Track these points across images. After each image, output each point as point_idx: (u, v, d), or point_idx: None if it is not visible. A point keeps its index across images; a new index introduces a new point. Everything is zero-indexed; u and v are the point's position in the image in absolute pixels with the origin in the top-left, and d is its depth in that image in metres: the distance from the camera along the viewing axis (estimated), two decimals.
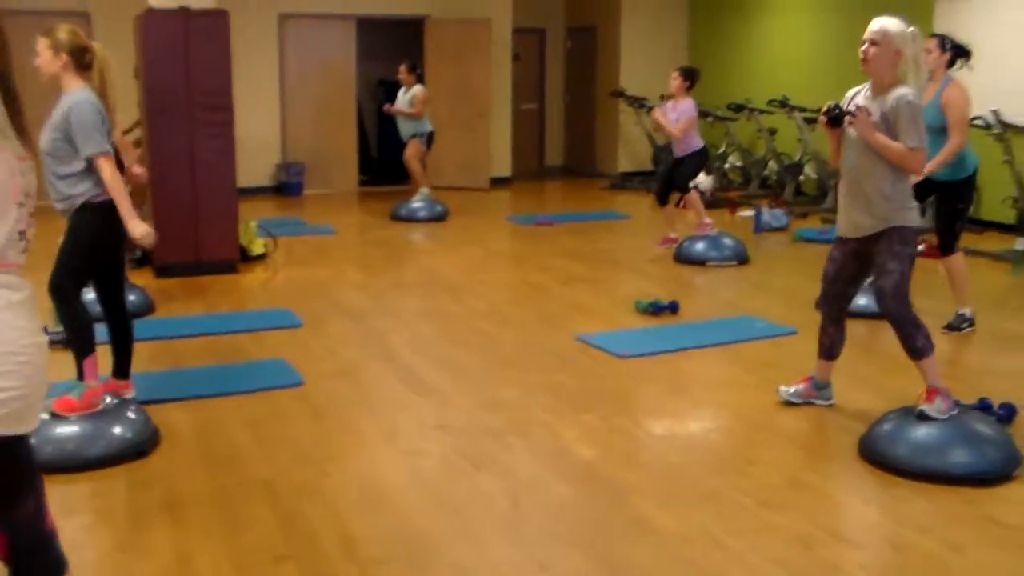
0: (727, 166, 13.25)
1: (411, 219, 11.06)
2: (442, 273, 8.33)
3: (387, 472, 4.23)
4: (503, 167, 14.37)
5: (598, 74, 15.52)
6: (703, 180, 11.30)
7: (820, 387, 4.98)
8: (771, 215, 10.35)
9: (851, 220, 4.53)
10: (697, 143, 8.89)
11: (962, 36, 9.92)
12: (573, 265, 8.65)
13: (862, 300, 6.11)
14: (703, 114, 12.38)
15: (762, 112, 12.17)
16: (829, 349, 4.90)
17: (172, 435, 4.58)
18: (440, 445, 4.54)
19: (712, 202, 11.22)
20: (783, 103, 11.66)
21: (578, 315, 6.89)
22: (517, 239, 10.11)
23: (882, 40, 4.32)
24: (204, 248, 8.13)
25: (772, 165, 12.52)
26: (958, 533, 3.61)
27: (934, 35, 6.24)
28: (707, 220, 9.02)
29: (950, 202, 6.12)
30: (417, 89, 11.16)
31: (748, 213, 10.93)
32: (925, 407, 4.21)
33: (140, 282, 7.19)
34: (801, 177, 12.03)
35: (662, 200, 9.16)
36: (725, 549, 3.53)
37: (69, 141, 4.43)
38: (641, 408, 5.16)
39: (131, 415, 4.56)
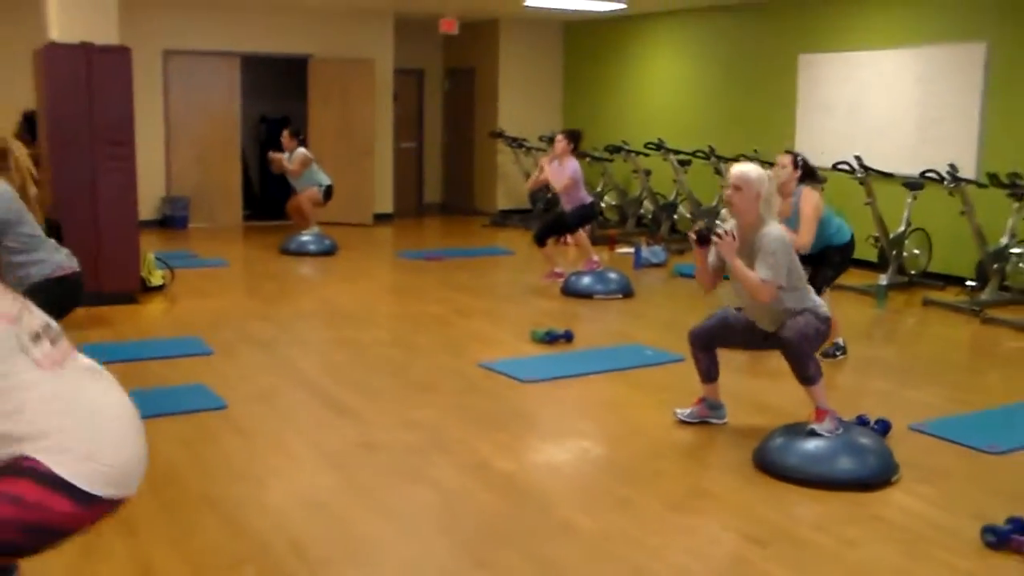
0: (603, 205, 13.80)
1: (301, 252, 11.26)
2: (342, 304, 8.58)
3: (323, 484, 4.48)
4: (386, 204, 14.66)
5: (476, 114, 15.96)
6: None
7: (714, 407, 5.41)
8: (650, 252, 10.90)
9: (763, 323, 4.97)
10: (586, 198, 9.36)
11: (823, 87, 10.78)
12: (466, 298, 8.99)
13: None
14: (581, 155, 12.92)
15: (638, 154, 12.75)
16: (707, 373, 5.35)
17: None
18: (368, 460, 4.81)
19: (591, 239, 11.68)
20: (659, 146, 12.28)
21: (478, 343, 7.22)
22: (409, 273, 10.41)
23: (744, 185, 4.77)
24: (105, 279, 8.19)
25: (647, 204, 13.12)
26: (850, 530, 4.06)
27: (787, 152, 6.76)
28: (595, 258, 9.48)
29: (828, 260, 6.59)
30: (299, 152, 11.43)
31: (627, 250, 11.47)
32: (816, 426, 4.67)
33: None
34: (675, 216, 12.64)
35: (540, 241, 9.55)
36: (644, 546, 3.90)
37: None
38: (549, 427, 5.51)
39: None
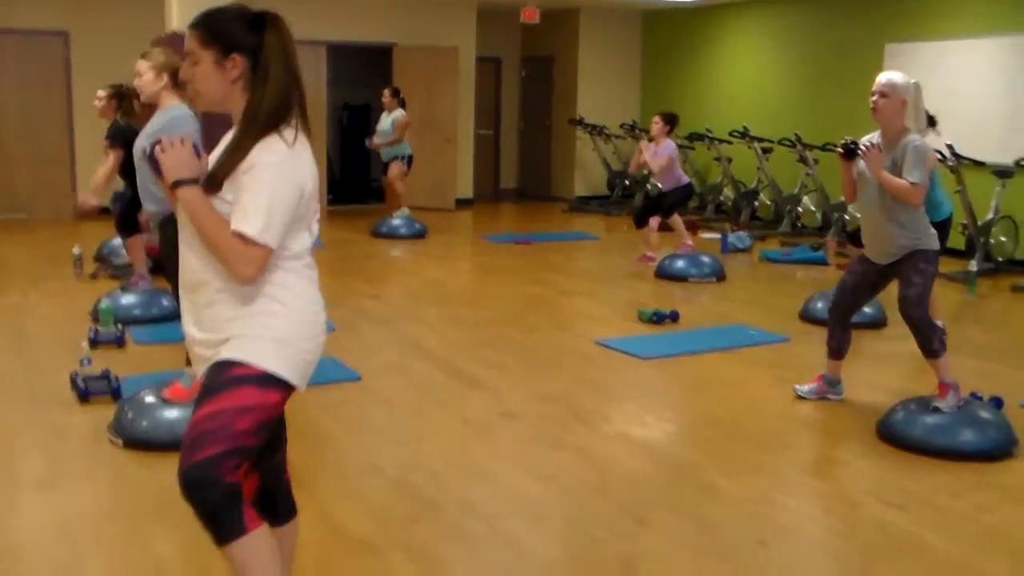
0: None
1: (392, 236, 11.61)
2: (445, 284, 8.91)
3: (474, 450, 4.79)
4: (466, 189, 14.98)
5: (554, 102, 16.22)
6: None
7: (832, 383, 5.65)
8: (736, 237, 11.12)
9: (877, 249, 5.15)
10: (683, 178, 9.61)
11: (911, 76, 10.86)
12: (563, 279, 9.28)
13: (868, 310, 6.88)
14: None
15: (721, 141, 12.95)
16: (837, 350, 5.57)
17: None
18: (511, 429, 5.12)
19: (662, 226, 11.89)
20: (744, 133, 12.47)
21: (587, 322, 7.51)
22: (500, 255, 10.71)
23: (890, 92, 4.95)
24: None
25: (727, 192, 13.33)
26: (981, 496, 4.30)
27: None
28: (689, 241, 9.73)
29: None
30: (398, 114, 11.74)
31: (711, 235, 11.69)
32: (939, 402, 4.90)
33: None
34: (756, 203, 12.83)
35: (640, 223, 9.82)
36: (786, 508, 4.17)
37: None
38: (675, 400, 5.78)
39: None
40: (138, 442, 4.70)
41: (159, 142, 2.53)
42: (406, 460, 4.65)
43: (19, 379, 5.78)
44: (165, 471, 4.27)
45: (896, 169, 4.90)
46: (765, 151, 12.36)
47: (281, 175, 2.45)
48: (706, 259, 9.46)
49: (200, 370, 2.60)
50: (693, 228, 12.24)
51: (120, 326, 6.71)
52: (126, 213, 7.70)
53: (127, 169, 7.45)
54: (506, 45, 16.66)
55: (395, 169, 11.77)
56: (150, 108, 5.24)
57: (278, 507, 2.83)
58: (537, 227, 13.10)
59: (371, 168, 15.93)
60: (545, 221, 13.76)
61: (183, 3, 8.52)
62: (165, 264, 5.04)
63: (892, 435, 4.93)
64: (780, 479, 4.52)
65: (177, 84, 5.05)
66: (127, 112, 7.53)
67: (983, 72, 10.40)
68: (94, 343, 6.46)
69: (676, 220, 9.91)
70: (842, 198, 10.79)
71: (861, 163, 5.08)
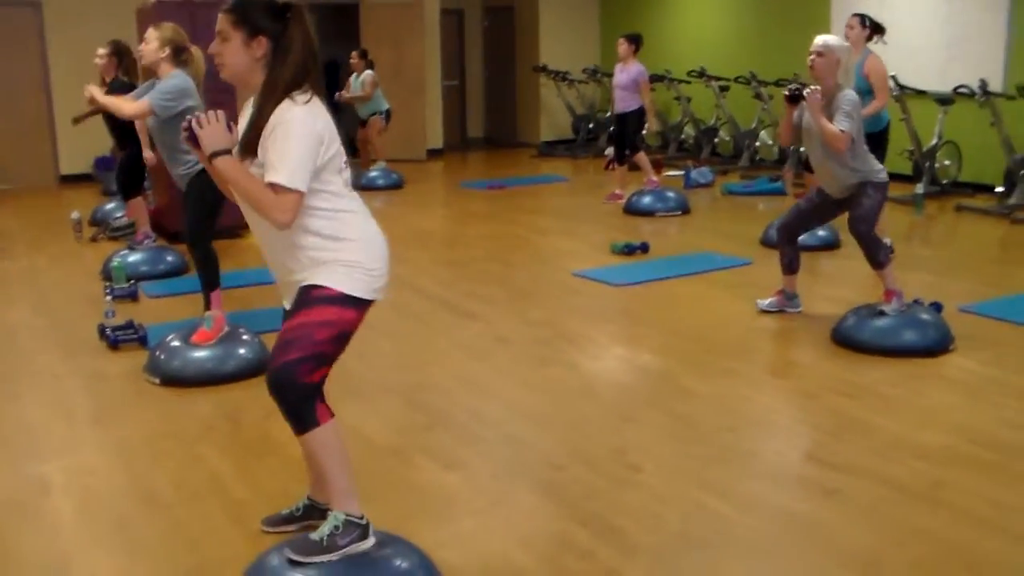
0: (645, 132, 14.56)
1: (370, 187, 12.10)
2: (429, 230, 9.46)
3: (475, 370, 5.38)
4: (436, 139, 15.47)
5: (517, 51, 16.68)
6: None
7: (790, 297, 6.28)
8: (698, 173, 11.73)
9: (831, 187, 5.78)
10: (637, 103, 10.11)
11: (856, 9, 11.44)
12: (539, 219, 9.86)
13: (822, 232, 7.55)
14: None
15: (680, 82, 13.50)
16: (789, 265, 6.20)
17: None
18: (506, 351, 5.71)
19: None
20: (701, 73, 13.03)
21: (564, 257, 8.10)
22: (477, 200, 11.25)
23: (826, 52, 5.59)
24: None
25: (688, 130, 13.90)
26: (920, 385, 4.96)
27: (855, 14, 7.57)
28: (654, 178, 10.31)
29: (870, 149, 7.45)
30: (367, 74, 12.22)
31: (675, 172, 12.28)
32: (884, 307, 5.54)
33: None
34: (716, 140, 13.43)
35: (620, 159, 10.40)
36: (755, 403, 4.81)
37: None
38: (650, 320, 6.38)
39: (248, 338, 5.56)
40: (174, 379, 5.25)
41: (194, 118, 3.00)
42: (416, 381, 5.23)
43: (49, 333, 6.29)
44: (203, 401, 4.92)
45: (830, 118, 5.51)
46: (722, 89, 12.93)
47: (299, 128, 2.91)
48: (671, 194, 10.07)
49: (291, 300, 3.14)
50: (658, 166, 12.80)
51: (133, 281, 7.21)
52: (126, 175, 8.15)
53: (122, 130, 7.95)
54: None
55: (375, 124, 12.26)
56: (151, 72, 5.76)
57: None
58: (508, 172, 13.63)
59: (341, 124, 16.33)
60: (515, 166, 14.30)
61: None
62: (189, 217, 5.57)
63: (844, 339, 5.57)
64: (746, 380, 5.15)
65: (176, 57, 5.57)
66: (128, 69, 7.99)
67: (922, 5, 10.99)
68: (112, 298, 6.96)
69: (642, 158, 10.46)
70: None
71: (806, 111, 5.68)
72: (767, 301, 6.30)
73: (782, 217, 6.17)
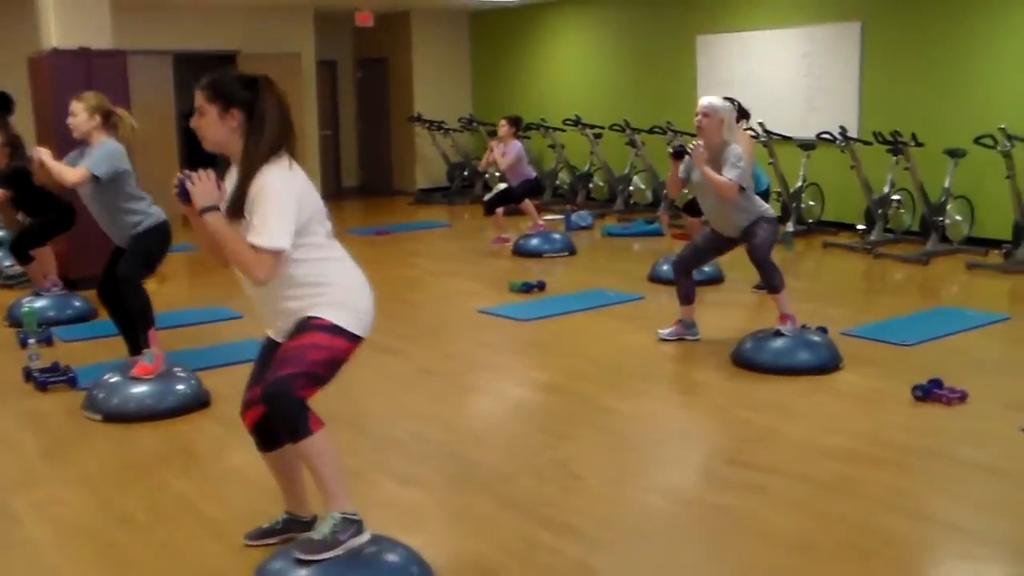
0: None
1: None
2: None
3: (407, 397, 5.69)
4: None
5: (391, 101, 17.07)
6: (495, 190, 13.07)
7: (688, 326, 6.78)
8: (578, 216, 12.29)
9: (726, 229, 6.32)
10: (530, 173, 10.68)
11: (720, 64, 12.29)
12: (430, 263, 10.23)
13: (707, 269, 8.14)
14: (493, 133, 14.27)
15: (555, 130, 14.10)
16: (686, 296, 6.72)
17: (219, 391, 5.78)
18: (434, 382, 6.05)
19: (517, 210, 12.87)
20: (576, 121, 13.65)
21: (464, 296, 8.48)
22: (366, 246, 11.52)
23: (711, 112, 6.16)
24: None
25: (562, 176, 14.51)
26: (817, 397, 5.50)
27: (725, 98, 8.18)
28: (540, 222, 10.79)
29: None
30: None
31: (555, 216, 12.81)
32: (781, 328, 6.09)
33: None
34: (590, 185, 14.07)
35: (490, 211, 10.85)
36: (672, 417, 5.29)
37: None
38: (561, 350, 6.78)
39: (184, 375, 5.76)
40: (115, 415, 5.40)
41: (183, 177, 3.26)
42: (356, 410, 5.51)
43: None
44: (150, 435, 5.17)
45: (718, 170, 6.06)
46: (596, 136, 13.56)
47: (279, 190, 3.20)
48: (557, 236, 10.58)
49: (278, 331, 3.44)
50: (537, 211, 13.34)
51: (44, 327, 7.28)
52: (23, 242, 8.18)
53: (36, 198, 8.05)
54: (340, 48, 17.40)
55: None
56: (81, 142, 5.93)
57: (276, 435, 3.57)
58: (390, 219, 13.94)
59: (220, 174, 16.39)
60: (394, 213, 14.64)
61: (61, 22, 9.01)
62: (130, 263, 5.74)
63: (744, 360, 6.09)
64: (661, 399, 5.62)
65: (106, 122, 5.78)
66: (14, 154, 8.19)
67: (784, 59, 11.85)
68: (24, 343, 7.02)
69: (527, 204, 10.92)
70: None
71: (690, 162, 6.23)
72: (667, 330, 6.79)
73: (680, 252, 6.69)
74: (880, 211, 10.37)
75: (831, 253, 10.29)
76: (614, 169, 13.68)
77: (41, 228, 8.16)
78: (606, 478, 4.46)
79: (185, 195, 3.26)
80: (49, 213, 8.11)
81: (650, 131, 12.73)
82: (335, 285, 3.38)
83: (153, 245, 5.83)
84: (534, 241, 10.45)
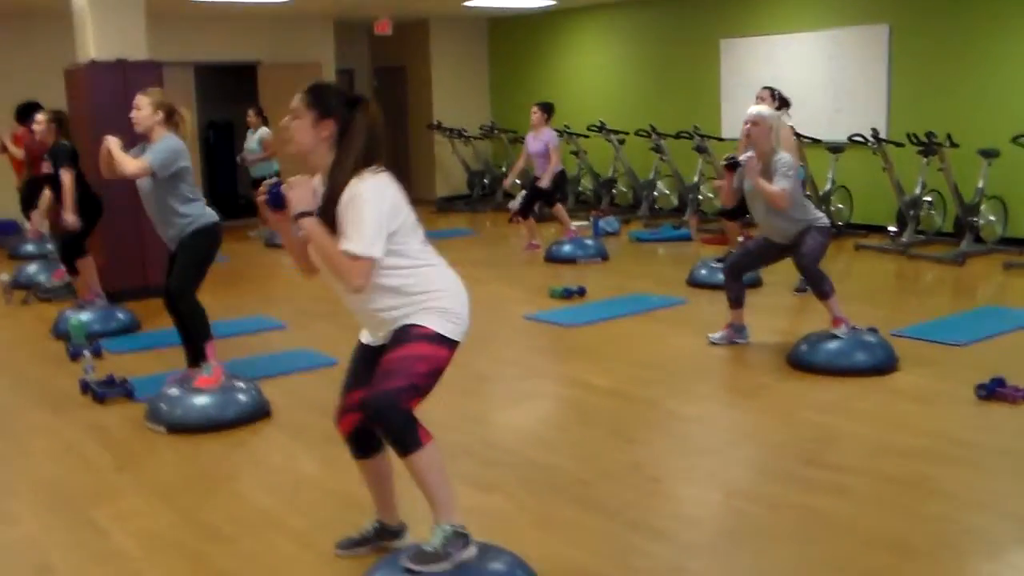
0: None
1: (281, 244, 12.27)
2: None
3: (471, 406, 5.70)
4: None
5: (410, 109, 17.11)
6: (518, 199, 13.10)
7: (738, 330, 6.80)
8: (606, 222, 12.31)
9: (776, 236, 6.34)
10: (558, 164, 10.63)
11: (745, 68, 12.31)
12: (465, 270, 10.04)
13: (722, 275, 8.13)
14: (521, 139, 14.31)
15: (579, 136, 14.12)
16: (736, 300, 6.74)
17: (277, 400, 5.80)
18: (492, 388, 6.09)
19: (542, 216, 12.89)
20: (601, 127, 13.68)
21: (507, 303, 8.49)
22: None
23: (760, 121, 6.19)
24: (150, 274, 9.17)
25: (584, 182, 14.53)
26: (881, 397, 5.52)
27: (766, 87, 8.26)
28: (573, 227, 10.81)
29: None
30: (263, 131, 12.50)
31: (580, 223, 12.81)
32: (835, 331, 6.10)
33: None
34: (614, 191, 14.09)
35: (525, 214, 10.86)
36: (739, 420, 5.30)
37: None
38: (614, 354, 6.78)
39: (244, 385, 5.77)
40: (178, 426, 5.42)
41: (278, 182, 3.30)
42: (421, 417, 5.51)
43: (24, 391, 6.36)
44: (217, 445, 5.20)
45: (769, 178, 6.10)
46: (620, 142, 13.58)
47: (371, 200, 3.21)
48: (589, 242, 10.59)
49: (376, 337, 3.46)
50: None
51: (95, 339, 7.30)
52: (74, 241, 8.18)
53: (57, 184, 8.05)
54: (357, 57, 17.44)
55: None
56: (142, 137, 5.96)
57: (371, 442, 3.64)
58: None
59: (238, 184, 16.46)
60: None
61: (99, 34, 9.07)
62: (179, 271, 5.77)
63: (801, 362, 6.10)
64: (723, 402, 5.65)
65: (169, 119, 5.81)
66: (67, 134, 8.15)
67: (809, 62, 11.88)
68: (76, 356, 7.04)
69: (559, 209, 10.93)
70: (695, 179, 12.18)
71: (742, 172, 6.25)
72: (718, 334, 6.80)
73: (731, 257, 6.70)
74: (912, 212, 10.38)
75: (863, 255, 10.30)
76: (638, 174, 13.69)
77: (80, 231, 8.15)
78: (684, 481, 4.48)
79: (276, 201, 3.29)
80: (83, 207, 8.09)
81: (676, 136, 12.74)
82: (435, 292, 3.39)
83: (201, 248, 5.84)
84: (567, 247, 10.46)
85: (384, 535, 3.82)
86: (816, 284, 6.22)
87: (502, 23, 16.48)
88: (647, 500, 4.27)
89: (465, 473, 4.66)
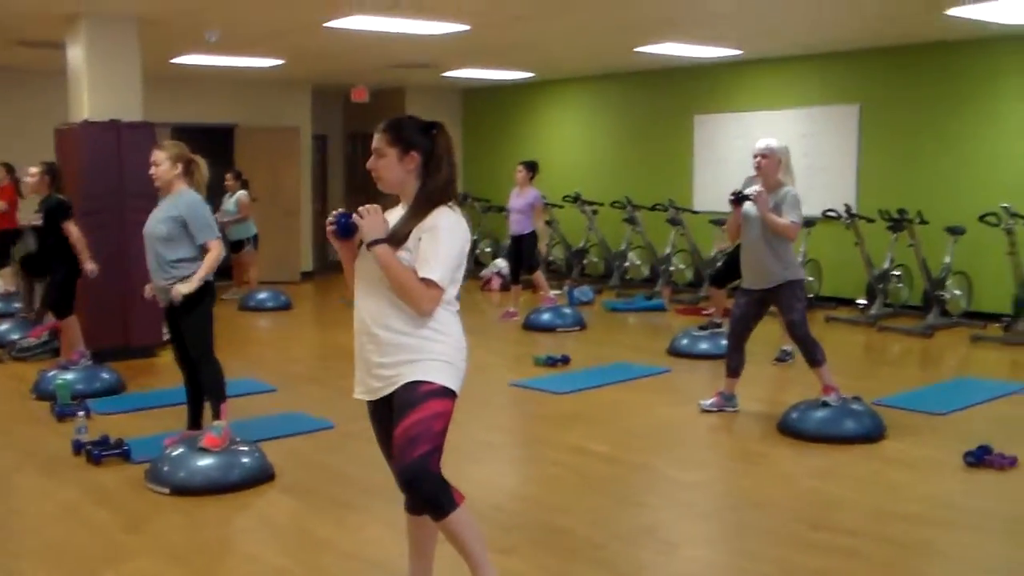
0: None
1: (260, 309, 12.33)
2: (345, 346, 9.75)
3: (475, 472, 5.73)
4: (308, 262, 15.81)
5: None
6: (503, 263, 13.29)
7: (728, 398, 6.94)
8: (579, 291, 12.50)
9: (757, 275, 6.52)
10: (532, 226, 10.79)
11: (718, 143, 12.62)
12: None
13: (703, 344, 8.45)
14: (499, 208, 14.54)
15: (554, 206, 14.33)
16: (735, 369, 6.88)
17: (278, 464, 5.81)
18: (496, 453, 6.18)
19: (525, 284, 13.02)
20: (576, 198, 13.91)
21: (493, 369, 8.58)
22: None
23: (769, 154, 6.42)
24: (133, 333, 9.18)
25: (556, 251, 14.73)
26: (873, 465, 5.67)
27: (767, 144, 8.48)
28: (552, 295, 10.96)
29: None
30: (241, 194, 12.60)
31: (556, 292, 12.97)
32: (826, 398, 6.27)
33: None
34: (585, 261, 14.31)
35: (516, 279, 11.02)
36: (740, 485, 5.42)
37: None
38: (607, 422, 6.87)
39: (247, 448, 5.80)
40: (182, 489, 5.42)
41: (345, 213, 3.40)
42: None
43: (11, 453, 6.26)
44: (223, 508, 5.23)
45: (777, 211, 6.28)
46: (594, 212, 13.82)
47: (453, 235, 3.37)
48: (568, 310, 10.74)
49: (370, 389, 3.49)
50: (532, 287, 13.49)
51: (80, 400, 7.27)
52: (59, 293, 8.20)
53: (55, 250, 8.09)
54: (331, 123, 17.61)
55: (247, 256, 12.57)
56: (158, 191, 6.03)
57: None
58: None
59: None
60: None
61: (95, 95, 9.17)
62: (196, 332, 5.82)
63: (791, 430, 6.26)
64: (722, 468, 5.77)
65: (187, 170, 5.89)
66: (60, 187, 8.24)
67: (781, 139, 12.13)
68: (61, 416, 7.01)
69: (538, 276, 11.09)
70: (667, 251, 12.40)
71: (747, 207, 6.43)
72: (709, 401, 6.95)
73: (730, 328, 6.84)
74: (881, 286, 10.66)
75: (834, 327, 10.54)
76: (610, 245, 13.91)
77: (63, 280, 8.16)
78: (697, 543, 4.60)
79: (345, 230, 3.40)
80: (63, 265, 8.13)
81: (652, 208, 13.00)
82: (448, 337, 3.46)
83: (206, 304, 5.90)
84: (545, 316, 10.59)
85: None
86: (809, 352, 6.39)
87: (476, 93, 16.77)
88: (665, 563, 4.37)
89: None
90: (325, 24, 9.52)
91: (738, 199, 6.48)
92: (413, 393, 3.38)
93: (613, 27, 9.95)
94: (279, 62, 12.55)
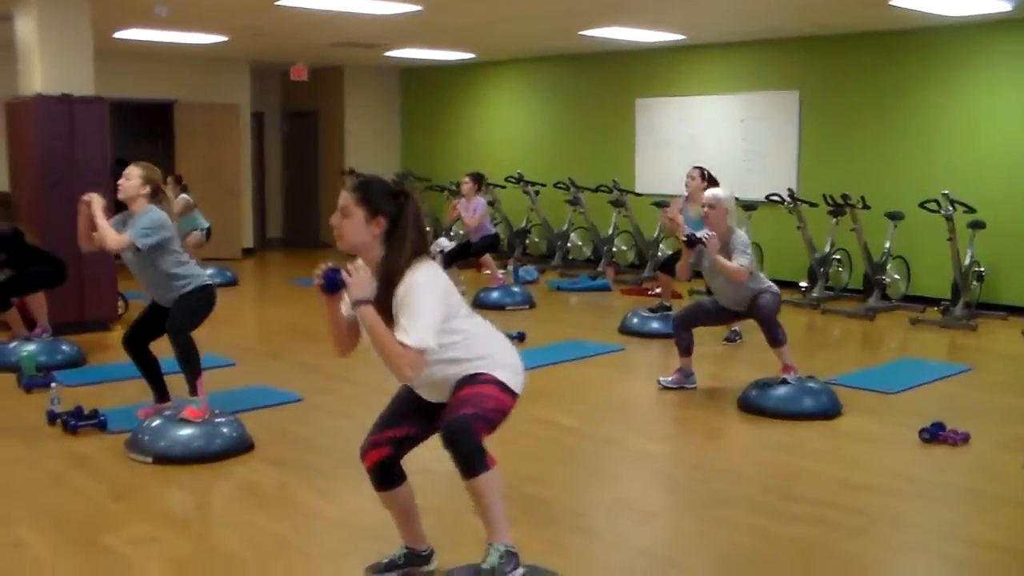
0: (452, 234, 15.38)
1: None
2: (296, 322, 9.84)
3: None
4: (248, 239, 15.76)
5: (321, 154, 17.25)
6: (446, 243, 13.40)
7: (687, 375, 7.18)
8: (525, 271, 12.69)
9: (730, 303, 6.80)
10: (490, 229, 11.01)
11: (660, 127, 12.88)
12: None
13: (655, 324, 8.70)
14: (441, 188, 14.68)
15: (496, 186, 14.48)
16: (686, 348, 7.13)
17: (254, 435, 5.89)
18: None
19: (463, 264, 13.13)
20: (519, 179, 14.09)
21: None
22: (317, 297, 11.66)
23: (716, 204, 6.66)
24: (89, 307, 9.15)
25: (499, 231, 14.87)
26: (831, 441, 5.94)
27: (696, 167, 8.81)
28: (500, 275, 11.13)
29: None
30: (182, 198, 12.28)
31: (500, 272, 13.14)
32: (786, 376, 6.54)
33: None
34: (527, 241, 14.50)
35: (447, 266, 11.10)
36: (708, 457, 5.67)
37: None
38: (571, 398, 7.05)
39: (227, 419, 5.89)
40: (164, 457, 5.51)
41: (334, 268, 3.46)
42: (414, 455, 5.70)
43: None
44: (208, 476, 5.35)
45: (727, 255, 6.54)
46: (536, 193, 14.01)
47: (428, 289, 3.43)
48: (516, 289, 10.92)
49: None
50: (477, 266, 13.65)
51: (46, 371, 7.28)
52: (5, 291, 8.20)
53: (14, 261, 8.12)
54: (268, 100, 17.53)
55: (192, 238, 12.29)
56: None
57: (393, 474, 3.88)
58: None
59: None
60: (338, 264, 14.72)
61: (47, 69, 9.07)
62: (177, 316, 5.87)
63: (751, 406, 6.51)
64: (687, 442, 6.02)
65: (153, 196, 5.90)
66: (13, 216, 8.28)
67: (721, 123, 12.52)
68: (29, 388, 7.03)
69: (487, 258, 11.25)
70: (610, 232, 12.65)
71: (700, 249, 6.67)
72: (668, 378, 7.18)
73: (683, 310, 7.10)
74: (822, 269, 11.02)
75: (784, 309, 10.83)
76: (553, 225, 14.12)
77: (29, 278, 8.16)
78: (674, 513, 4.82)
79: (332, 286, 3.46)
80: (37, 265, 8.14)
81: (596, 190, 13.23)
82: (489, 355, 3.66)
83: (199, 303, 5.98)
84: (495, 294, 10.76)
85: (414, 560, 3.99)
86: (772, 333, 6.65)
87: (415, 72, 16.82)
88: (646, 530, 4.57)
89: (468, 507, 4.87)
90: (278, 3, 9.53)
91: (690, 242, 6.71)
92: (472, 378, 3.60)
93: (562, 11, 10.12)
94: (223, 39, 12.47)
